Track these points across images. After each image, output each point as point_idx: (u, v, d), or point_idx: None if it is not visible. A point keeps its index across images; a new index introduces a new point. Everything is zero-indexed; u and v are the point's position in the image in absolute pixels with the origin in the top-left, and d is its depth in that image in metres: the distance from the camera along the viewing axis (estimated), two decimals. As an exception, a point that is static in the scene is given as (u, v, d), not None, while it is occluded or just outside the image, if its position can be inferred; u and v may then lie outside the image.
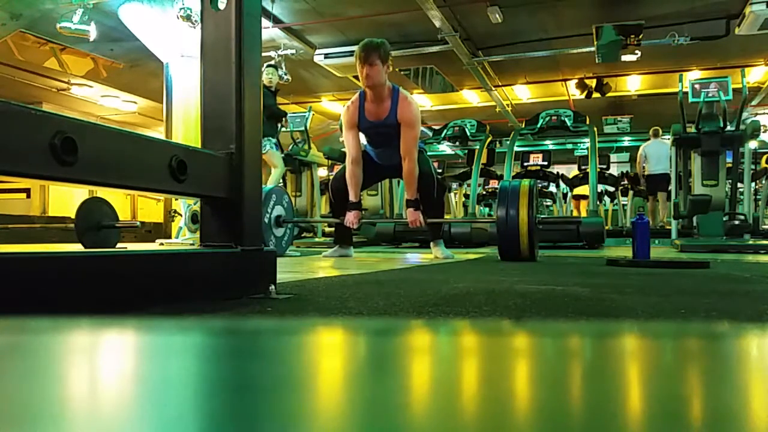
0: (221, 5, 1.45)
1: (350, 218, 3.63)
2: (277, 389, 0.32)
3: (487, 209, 11.11)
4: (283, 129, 6.61)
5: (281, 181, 6.42)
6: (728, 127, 5.65)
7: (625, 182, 9.68)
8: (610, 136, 13.79)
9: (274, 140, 6.08)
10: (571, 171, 10.09)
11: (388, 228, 6.38)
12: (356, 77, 3.81)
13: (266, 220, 3.64)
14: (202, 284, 1.30)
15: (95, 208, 3.44)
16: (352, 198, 3.65)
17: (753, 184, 7.43)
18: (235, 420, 0.26)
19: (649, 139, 8.84)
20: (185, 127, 6.81)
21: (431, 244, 3.86)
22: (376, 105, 3.51)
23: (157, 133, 9.60)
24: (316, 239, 6.79)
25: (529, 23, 7.92)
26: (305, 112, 7.43)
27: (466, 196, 9.15)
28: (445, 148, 13.09)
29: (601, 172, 8.89)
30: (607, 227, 6.86)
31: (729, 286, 1.84)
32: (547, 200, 11.68)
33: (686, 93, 5.83)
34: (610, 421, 0.26)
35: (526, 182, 3.32)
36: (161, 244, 6.52)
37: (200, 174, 1.30)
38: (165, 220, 8.41)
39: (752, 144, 6.51)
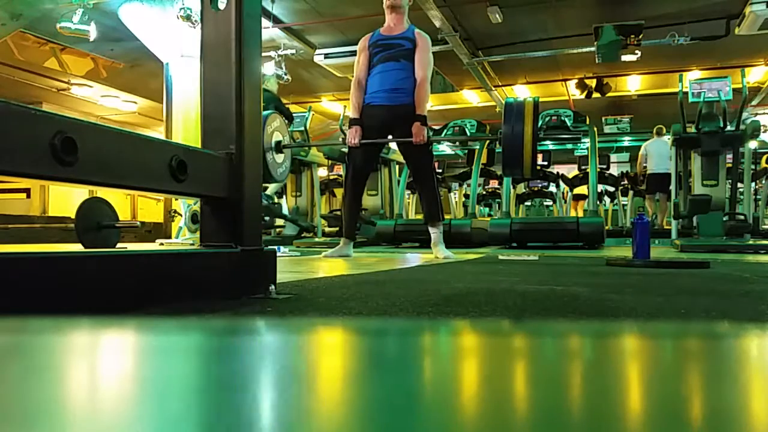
0: (221, 5, 1.45)
1: (351, 133, 3.68)
2: (277, 389, 0.32)
3: (487, 209, 11.11)
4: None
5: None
6: (728, 127, 5.65)
7: (625, 182, 9.68)
8: (610, 136, 13.79)
9: None
10: (572, 171, 10.09)
11: (388, 228, 6.38)
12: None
13: (268, 145, 3.70)
14: (202, 284, 1.30)
15: (95, 208, 3.43)
16: (353, 114, 3.73)
17: (753, 184, 7.43)
18: (235, 420, 0.26)
19: (651, 137, 8.81)
20: (185, 127, 6.81)
21: (432, 244, 3.85)
22: (391, 27, 3.75)
23: (157, 133, 9.60)
24: (316, 239, 6.79)
25: (529, 23, 7.93)
26: (305, 112, 7.43)
27: (466, 196, 9.15)
28: (445, 148, 13.10)
29: (601, 172, 8.88)
30: (607, 227, 6.85)
31: (729, 286, 1.84)
32: (547, 200, 11.68)
33: (686, 93, 5.83)
34: (610, 421, 0.26)
35: (530, 100, 3.41)
36: (161, 244, 6.52)
37: (200, 174, 1.30)
38: (165, 220, 8.41)
39: (752, 144, 6.51)
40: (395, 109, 3.66)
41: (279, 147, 3.76)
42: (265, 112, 3.76)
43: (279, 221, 7.11)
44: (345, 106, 3.83)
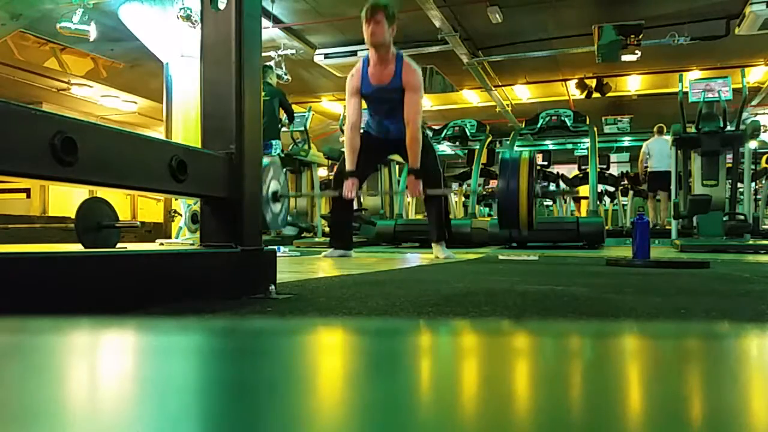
0: (221, 5, 1.45)
1: (348, 185, 3.55)
2: (277, 389, 0.32)
3: (487, 209, 11.10)
4: (284, 129, 6.62)
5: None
6: (728, 127, 5.65)
7: (625, 182, 9.68)
8: (610, 136, 13.79)
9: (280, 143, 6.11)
10: (572, 171, 10.09)
11: (388, 228, 6.38)
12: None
13: (265, 196, 3.66)
14: (202, 284, 1.30)
15: (95, 208, 3.43)
16: (349, 166, 3.58)
17: (753, 184, 7.43)
18: (235, 420, 0.26)
19: (653, 136, 8.81)
20: (185, 127, 6.81)
21: (432, 243, 3.84)
22: (379, 69, 3.50)
23: (157, 133, 9.60)
24: (316, 239, 6.79)
25: (529, 23, 7.93)
26: (305, 112, 7.43)
27: (466, 196, 9.15)
28: (445, 148, 13.08)
29: (601, 172, 8.88)
30: (607, 227, 6.85)
31: (729, 286, 1.84)
32: (547, 200, 11.68)
33: (686, 93, 5.83)
34: (610, 421, 0.26)
35: (526, 154, 3.38)
36: (161, 244, 6.52)
37: (200, 174, 1.30)
38: (165, 220, 8.41)
39: (752, 144, 6.51)
40: (395, 140, 3.64)
41: (276, 197, 3.75)
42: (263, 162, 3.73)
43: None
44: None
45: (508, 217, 3.25)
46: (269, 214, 3.64)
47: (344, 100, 3.90)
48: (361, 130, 3.73)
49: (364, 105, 3.69)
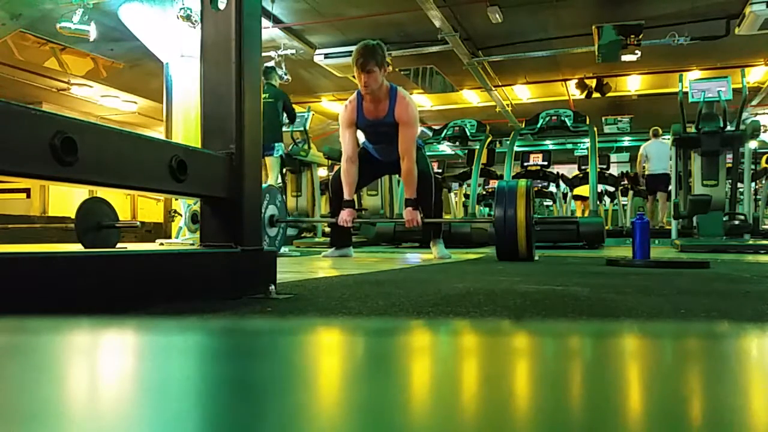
0: (221, 5, 1.45)
1: (344, 216, 3.60)
2: (277, 389, 0.32)
3: (487, 209, 11.10)
4: (284, 129, 6.62)
5: (281, 181, 6.42)
6: (728, 127, 5.65)
7: (625, 182, 9.68)
8: (610, 136, 13.79)
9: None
10: (572, 171, 10.09)
11: (388, 228, 6.38)
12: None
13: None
14: (202, 284, 1.30)
15: (95, 208, 3.43)
16: (346, 196, 3.62)
17: (753, 184, 7.43)
18: (235, 420, 0.26)
19: (649, 139, 8.85)
20: (185, 127, 6.81)
21: (431, 243, 3.85)
22: (374, 105, 3.51)
23: (157, 133, 9.60)
24: (316, 239, 6.79)
25: (529, 23, 7.92)
26: (305, 113, 7.43)
27: (466, 196, 9.15)
28: (445, 148, 13.08)
29: (601, 172, 8.88)
30: (607, 227, 6.85)
31: (729, 286, 1.84)
32: (547, 200, 11.68)
33: (686, 93, 5.83)
34: (610, 421, 0.26)
35: (523, 182, 3.33)
36: (161, 244, 6.52)
37: (200, 174, 1.30)
38: (165, 220, 8.41)
39: (752, 144, 6.51)
40: (393, 162, 3.66)
41: (272, 221, 3.74)
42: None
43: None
44: (342, 182, 3.84)
45: (507, 248, 3.23)
46: (266, 239, 3.65)
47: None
48: (360, 146, 3.78)
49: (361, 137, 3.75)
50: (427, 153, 4.13)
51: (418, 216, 3.54)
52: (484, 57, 8.97)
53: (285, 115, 6.21)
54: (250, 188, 1.45)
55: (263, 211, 3.67)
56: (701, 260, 2.93)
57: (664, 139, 8.64)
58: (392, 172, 3.81)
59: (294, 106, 6.41)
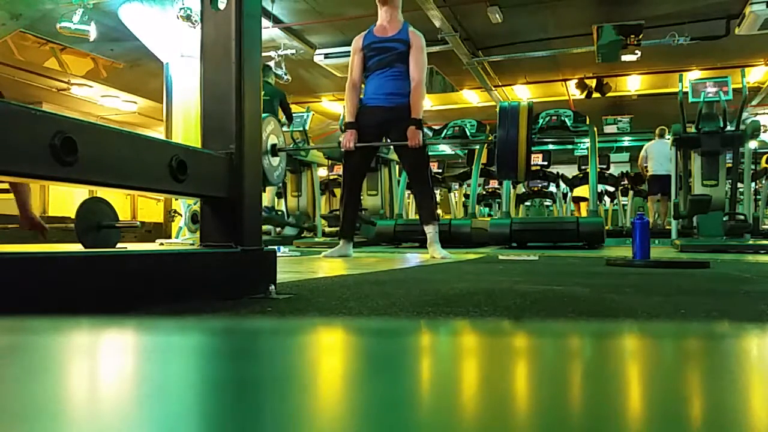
0: (221, 5, 1.45)
1: (347, 137, 3.69)
2: (277, 389, 0.32)
3: (487, 209, 11.10)
4: (284, 129, 6.62)
5: (280, 184, 6.42)
6: (728, 127, 5.65)
7: (625, 182, 9.68)
8: (610, 136, 13.79)
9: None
10: (572, 171, 10.09)
11: (388, 228, 6.38)
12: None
13: (264, 148, 3.73)
14: (202, 284, 1.30)
15: (95, 208, 3.43)
16: (348, 118, 3.73)
17: (753, 184, 7.43)
18: (234, 420, 0.26)
19: (653, 139, 8.80)
20: (185, 127, 6.82)
21: (428, 244, 3.84)
22: (384, 26, 3.71)
23: (157, 133, 9.60)
24: (316, 239, 6.79)
25: (529, 23, 7.93)
26: (305, 113, 7.44)
27: (466, 196, 9.15)
28: (445, 148, 13.09)
29: (601, 172, 8.88)
30: (606, 227, 6.85)
31: (729, 286, 1.84)
32: (547, 200, 11.68)
33: (686, 93, 5.83)
34: (610, 421, 0.26)
35: (524, 103, 3.40)
36: (161, 244, 6.52)
37: (200, 174, 1.30)
38: (165, 220, 8.42)
39: (752, 144, 6.51)
40: (392, 110, 3.69)
41: (274, 150, 3.79)
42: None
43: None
44: (345, 107, 3.84)
45: (507, 164, 3.28)
46: (267, 166, 3.69)
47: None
48: (359, 106, 3.81)
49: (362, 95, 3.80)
50: (427, 153, 4.14)
51: (420, 135, 3.61)
52: (484, 57, 8.98)
53: (284, 116, 6.21)
54: (250, 188, 1.45)
55: (266, 140, 3.72)
56: (701, 260, 2.93)
57: (668, 138, 8.63)
58: (390, 129, 3.77)
59: (294, 106, 6.41)
